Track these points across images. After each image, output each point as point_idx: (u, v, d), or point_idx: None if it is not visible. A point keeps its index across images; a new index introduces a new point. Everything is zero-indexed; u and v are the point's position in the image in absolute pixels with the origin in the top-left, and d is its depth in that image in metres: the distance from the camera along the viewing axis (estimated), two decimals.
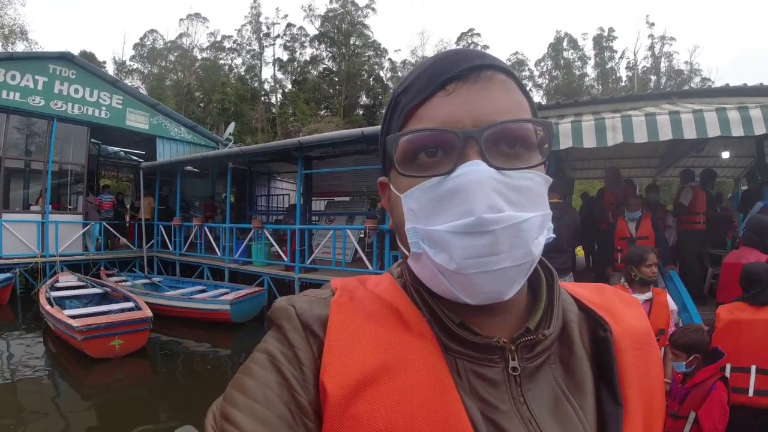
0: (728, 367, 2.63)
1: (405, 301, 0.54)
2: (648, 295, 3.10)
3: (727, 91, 5.58)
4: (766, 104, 4.34)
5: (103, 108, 12.48)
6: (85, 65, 12.48)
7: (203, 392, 5.78)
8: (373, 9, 47.29)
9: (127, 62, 47.22)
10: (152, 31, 48.36)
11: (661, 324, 3.03)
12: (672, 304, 3.16)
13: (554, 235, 0.51)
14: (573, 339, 0.54)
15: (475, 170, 0.45)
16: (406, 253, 0.52)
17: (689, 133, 4.30)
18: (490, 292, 0.46)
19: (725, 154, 8.02)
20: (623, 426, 0.49)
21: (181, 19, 49.97)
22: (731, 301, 3.08)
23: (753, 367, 2.65)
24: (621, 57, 45.63)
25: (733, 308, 2.90)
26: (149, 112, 13.56)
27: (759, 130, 4.21)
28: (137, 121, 13.25)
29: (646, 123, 4.43)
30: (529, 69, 47.24)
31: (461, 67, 0.48)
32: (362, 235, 11.22)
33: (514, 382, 0.50)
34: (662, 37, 43.32)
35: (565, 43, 45.70)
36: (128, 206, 14.28)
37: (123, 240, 12.90)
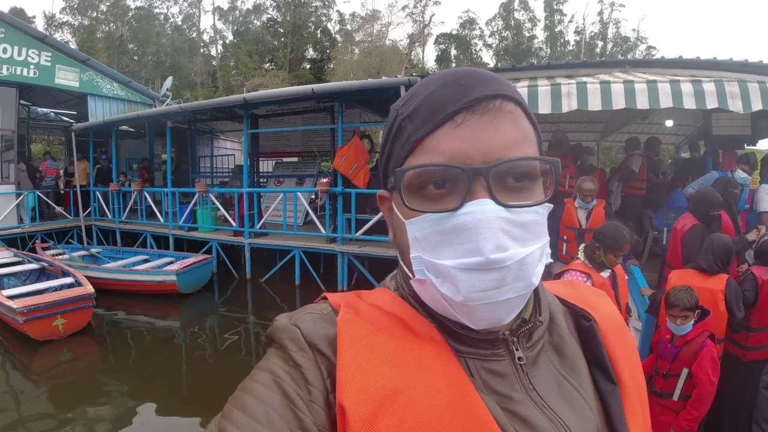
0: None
1: (408, 310, 0.55)
2: (607, 271, 2.92)
3: (681, 63, 5.72)
4: (719, 79, 4.50)
5: (32, 66, 11.33)
6: (13, 22, 11.20)
7: (155, 367, 5.65)
8: None
9: (57, 15, 43.11)
10: None
11: (625, 298, 3.02)
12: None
13: (552, 260, 0.53)
14: (561, 326, 0.59)
15: (482, 209, 0.46)
16: (410, 275, 0.52)
17: (642, 102, 4.41)
18: (492, 319, 0.48)
19: (669, 123, 8.29)
20: (623, 402, 0.55)
21: None
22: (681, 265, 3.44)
23: None
24: (570, 21, 45.86)
25: (684, 274, 3.20)
26: (79, 68, 12.30)
27: (711, 103, 4.37)
28: (67, 78, 12.03)
29: (600, 91, 4.49)
30: (480, 28, 46.72)
31: (470, 97, 0.48)
32: (313, 197, 10.90)
33: (522, 371, 0.52)
34: (612, 3, 43.73)
35: (516, 4, 45.26)
36: (62, 172, 13.25)
37: (59, 209, 12.03)
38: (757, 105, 4.34)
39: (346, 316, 0.53)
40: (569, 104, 4.54)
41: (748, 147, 6.54)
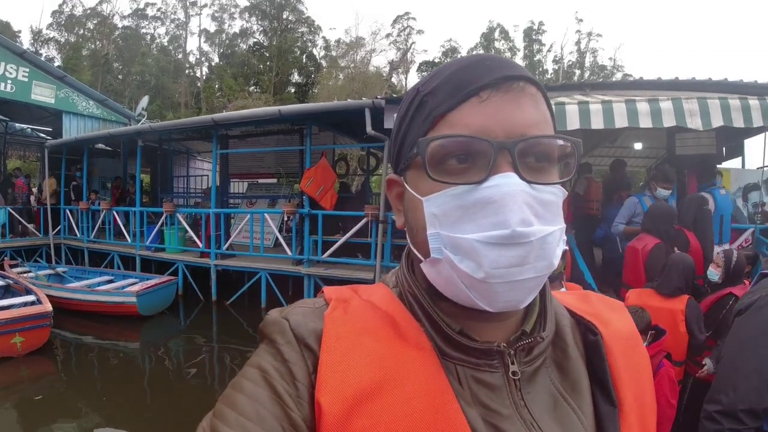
0: None
1: (401, 310, 0.54)
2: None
3: (641, 84, 5.73)
4: (677, 97, 4.42)
5: (9, 81, 11.23)
6: None
7: (113, 388, 5.57)
8: None
9: (44, 31, 43.16)
10: None
11: None
12: None
13: (567, 248, 0.50)
14: (567, 342, 0.56)
15: (508, 182, 0.45)
16: (421, 257, 0.52)
17: (597, 123, 4.36)
18: (511, 300, 0.47)
19: (638, 146, 8.38)
20: (620, 426, 0.52)
21: None
22: (641, 285, 3.35)
23: None
24: (549, 50, 47.23)
25: (643, 294, 3.12)
26: (56, 85, 12.24)
27: (668, 122, 4.31)
28: (43, 94, 11.94)
29: (555, 112, 4.42)
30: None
31: (495, 75, 0.48)
32: (286, 219, 10.84)
33: (515, 386, 0.51)
34: (589, 34, 44.96)
35: (497, 34, 46.35)
36: (36, 189, 13.07)
37: (31, 227, 11.88)
38: (717, 121, 4.28)
39: (335, 312, 0.53)
40: None
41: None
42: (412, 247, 0.54)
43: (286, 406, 0.46)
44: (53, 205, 11.53)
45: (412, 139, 0.52)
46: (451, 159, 0.48)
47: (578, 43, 45.04)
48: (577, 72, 44.14)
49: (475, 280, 0.46)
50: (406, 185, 0.54)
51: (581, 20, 46.07)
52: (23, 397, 5.25)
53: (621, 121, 4.32)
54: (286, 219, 9.33)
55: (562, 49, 46.34)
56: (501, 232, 0.44)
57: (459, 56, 0.55)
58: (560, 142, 0.49)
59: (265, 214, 8.93)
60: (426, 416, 0.45)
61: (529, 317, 0.55)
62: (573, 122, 4.41)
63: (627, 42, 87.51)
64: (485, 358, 0.51)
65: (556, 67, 45.24)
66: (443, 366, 0.50)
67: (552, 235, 0.46)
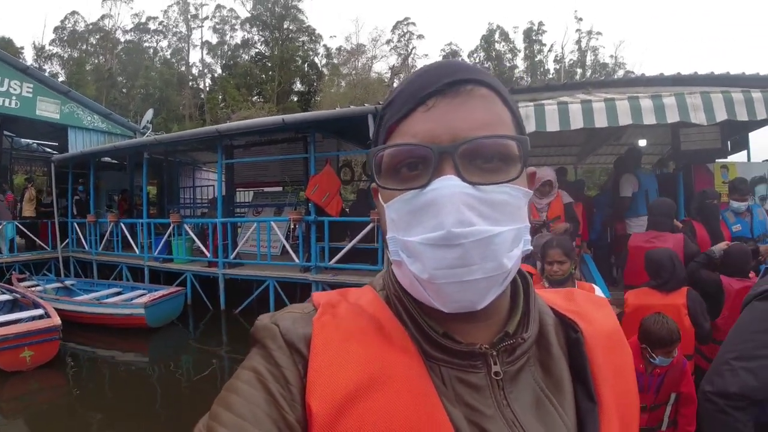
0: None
1: (387, 314, 0.55)
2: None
3: (643, 81, 5.69)
4: (680, 92, 4.41)
5: (14, 98, 11.41)
6: None
7: (122, 400, 5.56)
8: None
9: (47, 47, 43.59)
10: (74, 12, 44.27)
11: None
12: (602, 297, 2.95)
13: (531, 247, 0.53)
14: (550, 341, 0.57)
15: (446, 185, 0.46)
16: (392, 260, 0.53)
17: (600, 121, 4.34)
18: (462, 301, 0.48)
19: (642, 142, 8.32)
20: (600, 422, 0.52)
21: (103, 0, 46.22)
22: (640, 285, 3.21)
23: None
24: (549, 50, 46.86)
25: (641, 293, 3.06)
26: (61, 100, 12.42)
27: (672, 117, 4.30)
28: (48, 110, 12.12)
29: (558, 112, 4.43)
30: (462, 60, 47.69)
31: (441, 82, 0.49)
32: (292, 227, 10.88)
33: (497, 386, 0.51)
34: (589, 32, 44.76)
35: (497, 36, 46.23)
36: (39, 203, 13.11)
37: (38, 242, 11.91)
38: (721, 115, 4.27)
39: (323, 318, 0.54)
40: (528, 127, 4.53)
41: (719, 161, 6.55)
42: (387, 252, 0.55)
43: (281, 408, 0.47)
44: (32, 217, 11.73)
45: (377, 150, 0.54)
46: (402, 167, 0.50)
47: (578, 42, 44.85)
48: (579, 71, 43.91)
49: (424, 281, 0.48)
50: (379, 193, 0.56)
51: (581, 19, 45.88)
52: (33, 410, 5.28)
53: (625, 119, 4.31)
54: (292, 227, 9.35)
55: (562, 48, 46.20)
56: (436, 233, 0.46)
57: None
58: (504, 141, 0.49)
59: (272, 222, 8.96)
60: (411, 416, 0.46)
61: (512, 318, 0.56)
62: (576, 121, 4.40)
63: (627, 39, 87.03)
64: (468, 359, 0.52)
65: (558, 67, 45.06)
66: (427, 367, 0.51)
67: (500, 236, 0.47)
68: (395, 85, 0.54)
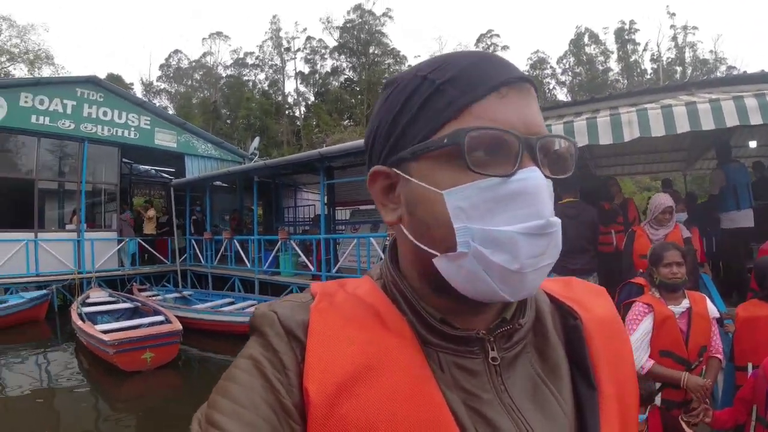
0: (750, 365, 2.53)
1: (385, 301, 0.55)
2: (684, 304, 2.56)
3: (746, 79, 5.34)
4: None
5: (132, 129, 12.84)
6: (111, 88, 12.89)
7: None
8: (390, 17, 47.62)
9: (155, 83, 48.56)
10: (176, 51, 49.45)
11: (702, 340, 2.56)
12: (713, 311, 2.67)
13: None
14: (547, 327, 0.57)
15: (535, 176, 0.47)
16: (434, 252, 0.50)
17: (707, 123, 4.09)
18: (531, 288, 0.48)
19: (752, 144, 7.67)
20: (599, 408, 0.52)
21: (204, 39, 51.06)
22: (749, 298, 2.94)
23: None
24: (644, 49, 44.44)
25: (749, 306, 2.78)
26: (176, 131, 13.92)
27: None
28: (165, 140, 13.64)
29: (662, 116, 4.23)
30: (551, 67, 46.37)
31: (511, 74, 0.49)
32: (387, 242, 11.21)
33: (495, 371, 0.52)
34: (684, 27, 42.10)
35: (586, 39, 44.74)
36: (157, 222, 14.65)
37: (158, 255, 13.27)
38: None
39: (320, 304, 0.54)
40: (631, 132, 4.30)
41: None
42: (420, 243, 0.51)
43: (278, 393, 0.47)
44: (152, 235, 12.93)
45: (421, 128, 0.50)
46: (478, 151, 0.47)
47: (674, 38, 42.16)
48: (679, 69, 41.10)
49: (509, 272, 0.46)
50: (410, 178, 0.51)
51: (674, 14, 43.13)
52: (153, 406, 5.73)
53: (731, 120, 4.04)
54: (388, 242, 9.68)
55: (658, 46, 43.41)
56: (536, 222, 0.46)
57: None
58: (571, 145, 0.52)
59: (371, 238, 9.35)
60: (408, 399, 0.46)
61: (509, 305, 0.55)
62: (682, 125, 4.15)
63: (725, 32, 79.51)
64: (465, 345, 0.52)
65: (655, 66, 42.48)
66: (425, 353, 0.51)
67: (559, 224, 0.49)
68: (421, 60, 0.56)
